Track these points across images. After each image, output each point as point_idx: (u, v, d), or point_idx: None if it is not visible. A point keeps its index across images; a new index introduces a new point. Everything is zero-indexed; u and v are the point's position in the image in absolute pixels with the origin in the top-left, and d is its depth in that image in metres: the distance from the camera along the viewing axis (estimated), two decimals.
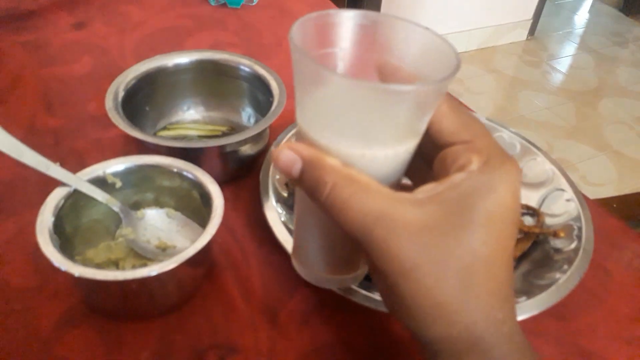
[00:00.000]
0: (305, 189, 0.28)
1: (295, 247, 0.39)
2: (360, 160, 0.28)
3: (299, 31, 0.28)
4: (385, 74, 0.31)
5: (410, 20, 0.30)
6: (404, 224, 0.26)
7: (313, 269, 0.38)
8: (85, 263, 0.42)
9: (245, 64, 0.56)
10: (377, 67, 0.31)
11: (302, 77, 0.28)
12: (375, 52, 0.31)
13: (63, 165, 0.41)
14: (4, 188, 0.52)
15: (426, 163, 0.31)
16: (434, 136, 0.29)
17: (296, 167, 0.28)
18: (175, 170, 0.44)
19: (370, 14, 0.30)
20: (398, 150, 0.29)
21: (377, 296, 0.40)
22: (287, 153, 0.28)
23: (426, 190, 0.27)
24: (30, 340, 0.40)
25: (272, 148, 0.43)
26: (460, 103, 0.30)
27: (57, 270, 0.36)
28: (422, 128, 0.29)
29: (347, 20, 0.30)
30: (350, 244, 0.34)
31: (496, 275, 0.27)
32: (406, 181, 0.34)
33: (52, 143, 0.58)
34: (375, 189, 0.26)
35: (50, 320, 0.41)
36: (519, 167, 0.28)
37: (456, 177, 0.27)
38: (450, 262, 0.26)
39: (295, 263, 0.38)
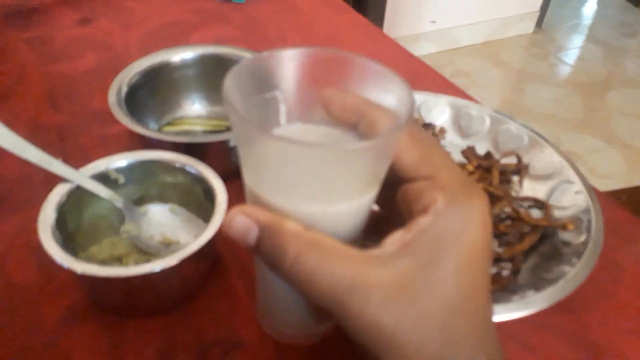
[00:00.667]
0: (264, 259, 0.25)
1: (258, 301, 0.37)
2: (323, 218, 0.26)
3: (233, 82, 0.25)
4: (332, 107, 0.28)
5: (354, 53, 0.28)
6: (379, 289, 0.24)
7: (277, 324, 0.36)
8: (89, 259, 0.41)
9: (248, 57, 0.55)
10: (321, 100, 0.28)
11: (243, 141, 0.25)
12: (321, 88, 0.29)
13: (67, 161, 0.41)
14: (9, 185, 0.52)
15: (391, 189, 0.29)
16: (394, 169, 0.27)
17: (252, 235, 0.25)
18: (178, 165, 0.43)
19: (311, 50, 0.28)
20: (362, 201, 0.27)
21: None
22: (240, 219, 0.25)
23: (395, 240, 0.25)
24: (34, 336, 0.39)
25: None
26: (422, 128, 0.28)
27: (60, 267, 0.35)
28: (386, 171, 0.27)
29: (286, 60, 0.28)
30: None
31: (477, 321, 0.26)
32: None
33: (57, 139, 0.58)
34: (344, 253, 0.24)
35: (54, 316, 0.41)
36: (485, 197, 0.27)
37: (423, 222, 0.25)
38: (430, 321, 0.24)
39: (259, 316, 0.37)
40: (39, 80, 0.67)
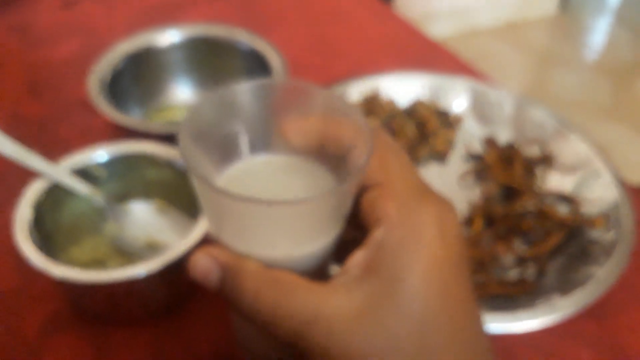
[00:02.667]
0: (226, 299, 0.26)
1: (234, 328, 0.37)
2: (287, 261, 0.27)
3: (190, 125, 0.27)
4: (291, 134, 0.29)
5: (312, 84, 0.29)
6: (342, 320, 0.24)
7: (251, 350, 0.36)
8: (69, 262, 0.40)
9: (242, 38, 0.54)
10: (280, 131, 0.29)
11: (196, 189, 0.26)
12: (283, 117, 0.30)
13: (47, 154, 0.40)
14: None
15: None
16: None
17: (213, 276, 0.26)
18: (164, 158, 0.43)
19: (268, 82, 0.30)
20: (327, 241, 0.27)
21: None
22: (203, 261, 0.26)
23: (356, 263, 0.26)
24: (14, 347, 0.39)
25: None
26: (379, 128, 0.29)
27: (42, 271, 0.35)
28: (349, 208, 0.28)
29: (245, 94, 0.29)
30: None
31: (453, 332, 0.25)
32: None
33: (37, 131, 0.57)
34: (304, 287, 0.25)
35: (35, 324, 0.40)
36: (442, 202, 0.27)
37: (377, 235, 0.25)
38: (401, 342, 0.24)
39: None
40: (19, 68, 0.67)
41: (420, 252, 0.25)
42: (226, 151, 0.30)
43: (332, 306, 0.24)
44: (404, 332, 0.24)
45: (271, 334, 0.25)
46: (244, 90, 0.29)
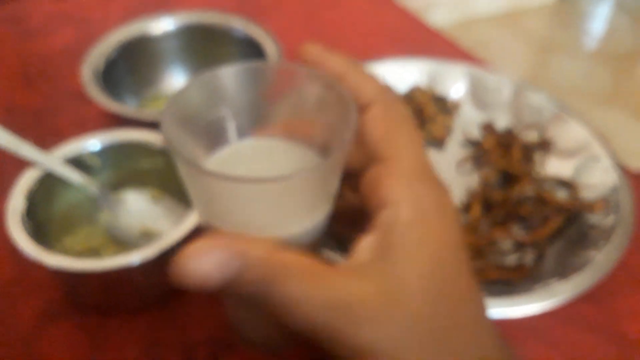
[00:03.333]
0: (243, 293, 0.24)
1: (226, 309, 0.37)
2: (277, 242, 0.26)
3: (173, 108, 0.26)
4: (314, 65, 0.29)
5: (296, 64, 0.29)
6: (367, 305, 0.23)
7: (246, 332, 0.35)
8: (63, 252, 0.40)
9: (237, 25, 0.54)
10: (302, 56, 0.29)
11: (181, 172, 0.26)
12: (268, 102, 0.30)
13: (42, 144, 0.40)
14: None
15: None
16: (357, 144, 0.27)
17: (232, 267, 0.22)
18: (158, 147, 0.42)
19: (253, 65, 0.29)
20: (316, 221, 0.27)
21: None
22: (218, 254, 0.22)
23: (366, 248, 0.25)
24: (10, 337, 0.39)
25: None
26: (397, 98, 0.28)
27: (34, 261, 0.34)
28: (337, 186, 0.27)
29: (230, 77, 0.29)
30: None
31: (471, 311, 0.25)
32: None
33: (32, 121, 0.57)
34: (321, 273, 0.24)
35: (30, 314, 0.40)
36: (441, 182, 0.26)
37: (385, 217, 0.25)
38: (422, 325, 0.24)
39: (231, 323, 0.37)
40: (13, 59, 0.67)
41: (429, 234, 0.25)
42: (213, 136, 0.30)
43: (355, 293, 0.23)
44: (424, 315, 0.24)
45: (291, 327, 0.23)
46: (229, 74, 0.29)
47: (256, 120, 0.31)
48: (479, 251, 0.45)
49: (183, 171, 0.26)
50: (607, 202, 0.45)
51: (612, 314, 0.42)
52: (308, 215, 0.27)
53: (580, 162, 0.50)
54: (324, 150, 0.29)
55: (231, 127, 0.30)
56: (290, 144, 0.30)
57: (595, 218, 0.45)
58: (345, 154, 0.27)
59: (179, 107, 0.27)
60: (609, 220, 0.43)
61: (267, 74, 0.30)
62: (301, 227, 0.27)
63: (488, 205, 0.48)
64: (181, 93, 0.27)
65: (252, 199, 0.25)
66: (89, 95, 0.45)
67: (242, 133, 0.31)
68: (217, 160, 0.30)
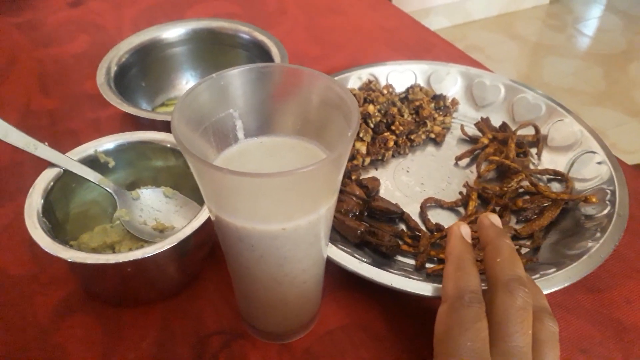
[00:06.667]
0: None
1: (238, 299, 0.38)
2: (282, 233, 0.27)
3: (182, 109, 0.27)
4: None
5: (301, 67, 0.29)
6: None
7: (255, 322, 0.37)
8: (80, 247, 0.40)
9: (244, 31, 0.54)
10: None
11: (192, 168, 0.27)
12: (273, 102, 0.31)
13: (58, 146, 0.40)
14: (0, 173, 0.51)
15: None
16: None
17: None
18: (170, 146, 0.42)
19: (259, 66, 0.30)
20: (320, 213, 0.28)
21: (391, 274, 0.38)
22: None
23: None
24: (28, 329, 0.39)
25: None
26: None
27: (53, 257, 0.34)
28: (339, 180, 0.28)
29: (236, 78, 0.30)
30: (301, 298, 0.34)
31: None
32: None
33: (48, 124, 0.57)
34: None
35: (48, 308, 0.40)
36: None
37: None
38: None
39: (242, 313, 0.38)
40: (29, 65, 0.66)
41: None
42: (223, 134, 0.30)
43: None
44: None
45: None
46: (236, 75, 0.29)
47: (263, 119, 0.31)
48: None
49: (194, 168, 0.26)
50: (603, 194, 0.45)
51: (607, 302, 0.41)
52: (312, 208, 0.27)
53: (575, 156, 0.50)
54: (327, 147, 0.30)
55: (239, 125, 0.31)
56: (295, 141, 0.31)
57: (590, 209, 0.44)
58: (348, 151, 0.27)
59: (189, 107, 0.27)
60: (604, 212, 0.43)
61: (273, 76, 0.31)
62: (304, 220, 0.27)
63: (485, 199, 0.48)
64: (191, 93, 0.27)
65: (260, 193, 0.26)
66: (103, 99, 0.45)
67: (250, 131, 0.31)
68: (227, 157, 0.30)
